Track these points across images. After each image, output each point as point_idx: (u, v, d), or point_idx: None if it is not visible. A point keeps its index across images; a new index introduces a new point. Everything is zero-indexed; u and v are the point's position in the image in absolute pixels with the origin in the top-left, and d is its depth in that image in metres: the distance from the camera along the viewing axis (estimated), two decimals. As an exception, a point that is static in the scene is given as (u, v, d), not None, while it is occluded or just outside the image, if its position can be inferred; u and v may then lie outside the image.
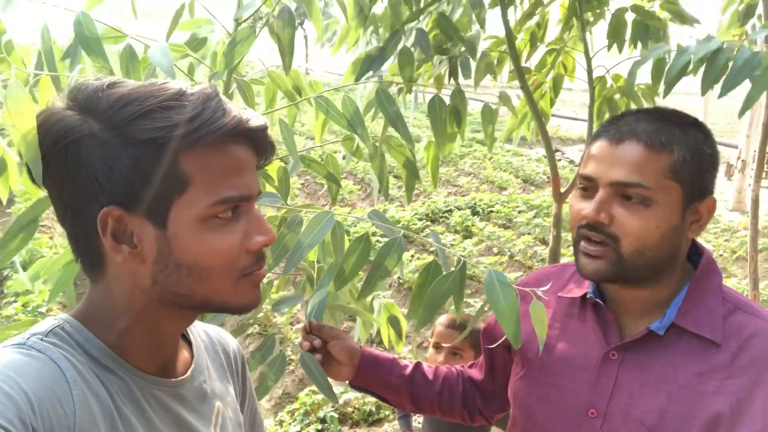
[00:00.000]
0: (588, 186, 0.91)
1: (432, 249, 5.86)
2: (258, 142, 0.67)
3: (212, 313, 1.12)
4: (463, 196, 8.25)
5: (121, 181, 0.59)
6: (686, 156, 0.87)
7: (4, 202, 1.02)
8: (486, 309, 1.02)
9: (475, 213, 7.35)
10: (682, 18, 1.68)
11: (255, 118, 0.65)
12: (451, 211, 7.34)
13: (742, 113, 1.31)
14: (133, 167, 0.59)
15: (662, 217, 0.87)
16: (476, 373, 1.23)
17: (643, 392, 0.90)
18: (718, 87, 1.34)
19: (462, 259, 0.98)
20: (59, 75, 0.70)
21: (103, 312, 0.65)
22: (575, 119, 16.86)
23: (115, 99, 0.60)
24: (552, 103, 2.10)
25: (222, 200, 0.62)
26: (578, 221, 0.92)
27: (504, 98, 1.51)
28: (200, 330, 0.83)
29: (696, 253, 0.97)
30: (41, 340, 0.60)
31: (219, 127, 0.60)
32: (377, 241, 5.57)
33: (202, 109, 0.60)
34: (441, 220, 7.18)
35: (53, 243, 5.02)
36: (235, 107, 0.64)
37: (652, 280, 0.92)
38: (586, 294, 1.00)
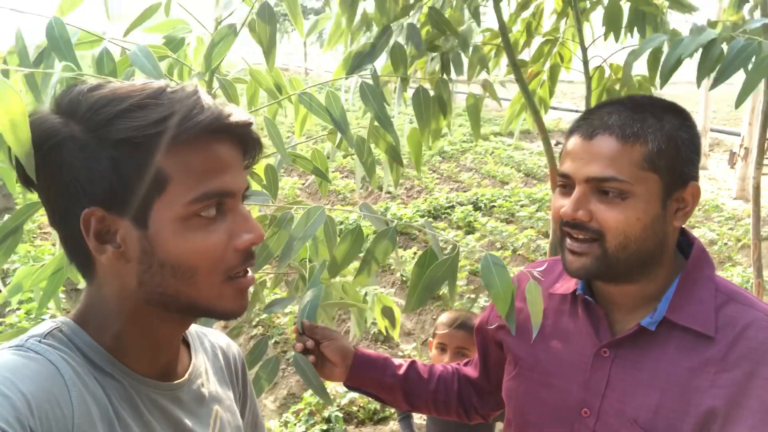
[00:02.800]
0: (566, 183, 0.90)
1: (434, 245, 5.84)
2: (242, 139, 0.65)
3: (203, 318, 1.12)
4: (465, 191, 8.24)
5: (101, 182, 0.59)
6: (661, 145, 0.85)
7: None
8: (478, 301, 1.01)
9: (477, 208, 7.33)
10: (680, 5, 1.66)
11: (237, 114, 0.64)
12: (453, 206, 7.33)
13: (738, 104, 1.30)
14: (111, 168, 0.59)
15: (641, 208, 0.85)
16: (471, 371, 1.22)
17: (636, 389, 0.89)
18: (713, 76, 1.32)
19: (456, 244, 0.98)
20: (33, 72, 0.69)
21: (98, 314, 0.65)
22: (577, 111, 16.79)
23: (95, 100, 0.60)
24: (551, 93, 2.08)
25: (200, 197, 0.61)
26: (559, 219, 0.91)
27: (488, 87, 1.50)
28: (199, 333, 0.83)
29: (687, 243, 0.95)
30: (39, 342, 0.60)
31: (195, 124, 0.59)
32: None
33: (179, 106, 0.60)
34: (443, 216, 7.17)
35: (56, 249, 5.02)
36: (217, 103, 0.63)
37: (640, 274, 0.90)
38: (576, 290, 0.98)
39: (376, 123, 1.19)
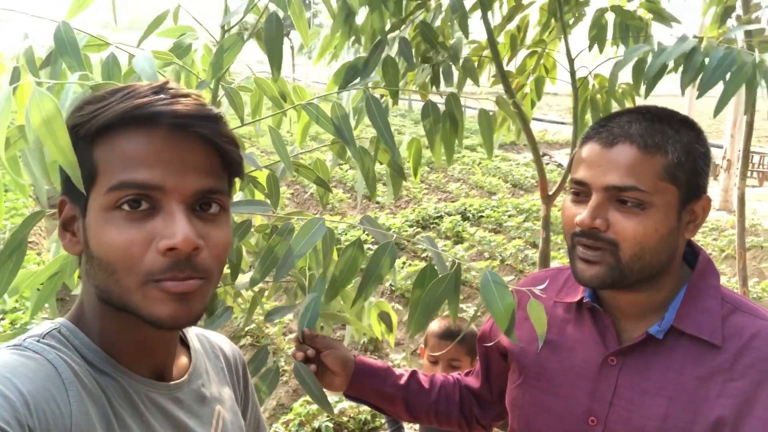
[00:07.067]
0: (580, 191, 0.89)
1: (424, 255, 5.85)
2: (198, 135, 0.61)
3: (205, 322, 1.12)
4: (453, 201, 8.28)
5: (63, 172, 0.63)
6: (681, 157, 0.85)
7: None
8: (480, 314, 1.01)
9: (465, 218, 7.36)
10: (662, 17, 1.70)
11: (173, 102, 0.60)
12: (441, 217, 7.35)
13: (717, 112, 1.31)
14: None
15: (659, 220, 0.85)
16: (473, 381, 1.22)
17: (643, 398, 0.89)
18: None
19: (456, 261, 0.97)
20: (44, 82, 0.70)
21: (86, 313, 0.66)
22: (562, 123, 17.01)
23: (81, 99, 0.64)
24: (533, 105, 2.11)
25: (115, 186, 0.58)
26: (572, 228, 0.89)
27: (501, 103, 1.51)
28: (199, 335, 0.83)
29: (692, 253, 0.96)
30: (37, 341, 0.60)
31: (112, 111, 0.59)
32: (368, 248, 5.56)
33: (118, 97, 0.60)
34: (432, 226, 7.19)
35: (41, 259, 4.96)
36: (170, 97, 0.61)
37: (649, 284, 0.90)
38: (582, 298, 0.98)
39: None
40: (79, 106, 0.63)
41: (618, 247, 0.86)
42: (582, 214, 0.87)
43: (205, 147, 0.62)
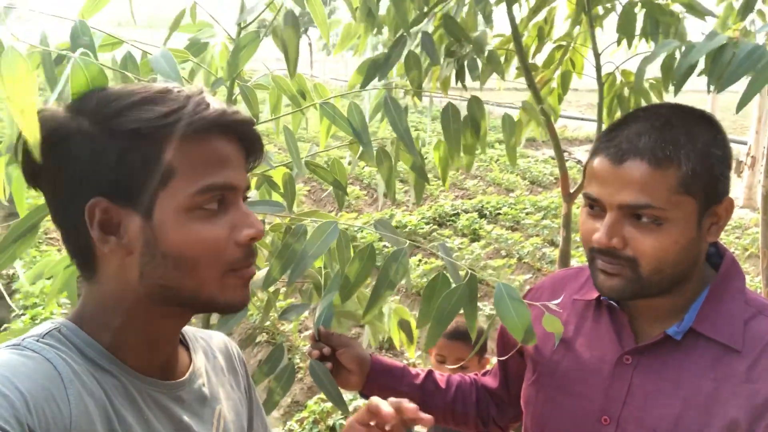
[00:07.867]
0: (594, 205, 0.88)
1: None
2: (244, 136, 0.68)
3: (219, 321, 1.11)
4: (470, 199, 8.22)
5: (107, 172, 0.61)
6: (695, 166, 0.81)
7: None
8: (497, 315, 0.98)
9: (482, 216, 7.31)
10: (695, 11, 1.65)
11: (239, 112, 0.67)
12: (458, 214, 7.31)
13: (739, 108, 1.27)
14: (118, 159, 0.60)
15: (678, 233, 0.82)
16: (490, 381, 1.20)
17: (657, 398, 0.87)
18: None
19: (470, 271, 0.94)
20: (56, 51, 0.67)
21: (97, 312, 0.65)
22: (582, 119, 16.81)
23: (104, 96, 0.63)
24: (560, 100, 2.07)
25: (204, 188, 0.63)
26: (590, 243, 0.88)
27: (528, 108, 1.46)
28: (197, 335, 0.83)
29: (717, 254, 0.93)
30: (37, 341, 0.61)
31: (202, 118, 0.62)
32: (384, 246, 5.54)
33: (186, 102, 0.62)
34: (448, 223, 7.15)
35: (63, 256, 5.02)
36: (219, 102, 0.66)
37: (670, 290, 0.88)
38: (600, 296, 0.97)
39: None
40: (129, 106, 0.61)
41: (637, 263, 0.84)
42: (598, 233, 0.85)
43: (242, 149, 0.68)
